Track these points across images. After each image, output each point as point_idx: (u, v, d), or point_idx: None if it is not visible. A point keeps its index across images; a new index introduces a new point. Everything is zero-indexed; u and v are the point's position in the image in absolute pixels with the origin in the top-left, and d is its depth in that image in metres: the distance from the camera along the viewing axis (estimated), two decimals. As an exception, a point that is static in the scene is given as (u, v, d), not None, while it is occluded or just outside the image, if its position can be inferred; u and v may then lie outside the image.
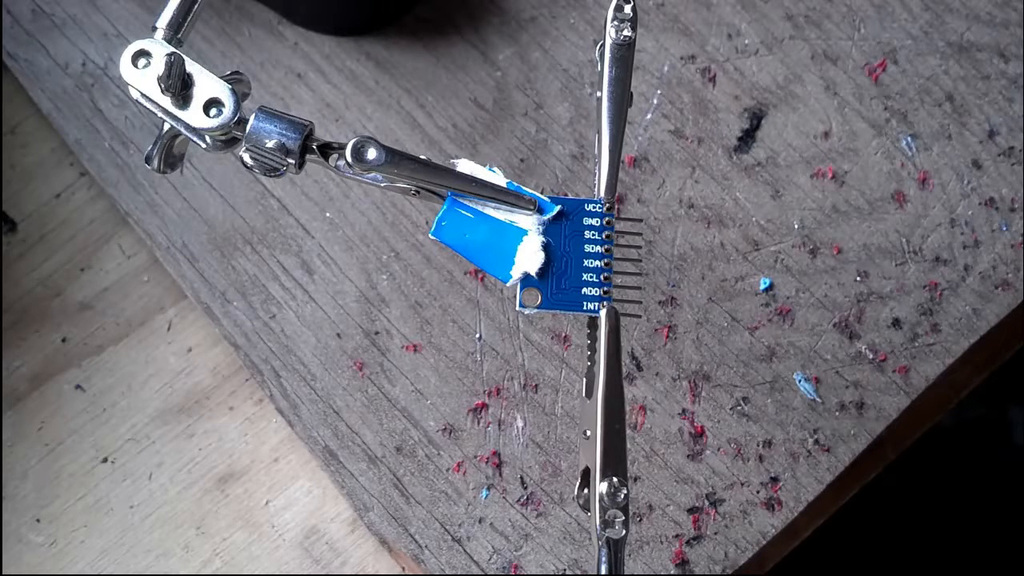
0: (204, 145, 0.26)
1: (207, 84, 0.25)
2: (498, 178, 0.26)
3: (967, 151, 0.37)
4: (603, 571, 0.23)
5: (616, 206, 0.27)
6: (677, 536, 0.34)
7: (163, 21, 0.26)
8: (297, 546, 0.36)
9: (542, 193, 0.27)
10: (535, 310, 0.26)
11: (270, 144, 0.25)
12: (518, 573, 0.34)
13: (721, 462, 0.35)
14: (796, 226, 0.37)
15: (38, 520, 0.36)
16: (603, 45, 0.27)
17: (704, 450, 0.35)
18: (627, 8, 0.27)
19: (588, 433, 0.25)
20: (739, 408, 0.35)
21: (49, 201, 0.39)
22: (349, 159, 0.25)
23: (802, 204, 0.37)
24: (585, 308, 0.26)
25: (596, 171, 0.27)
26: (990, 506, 0.72)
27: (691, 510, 0.34)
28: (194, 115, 0.25)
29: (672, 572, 0.34)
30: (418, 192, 0.26)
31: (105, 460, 0.37)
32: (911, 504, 0.72)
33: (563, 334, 0.36)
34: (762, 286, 0.36)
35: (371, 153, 0.25)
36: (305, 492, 0.36)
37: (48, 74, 0.39)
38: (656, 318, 0.36)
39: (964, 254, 0.37)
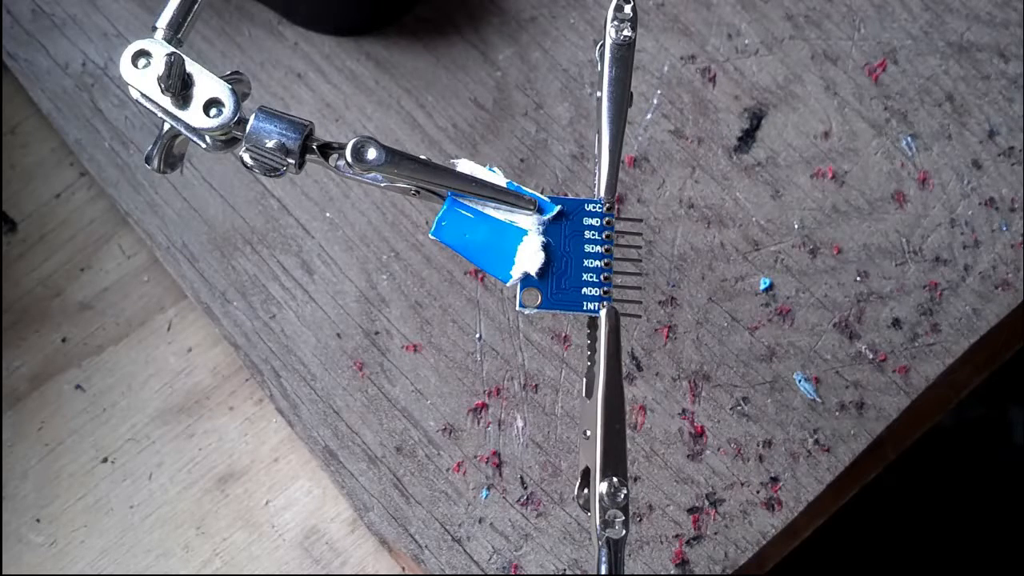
0: (204, 145, 0.26)
1: (207, 84, 0.25)
2: (498, 178, 0.26)
3: (967, 151, 0.37)
4: (603, 571, 0.23)
5: (616, 206, 0.27)
6: (677, 536, 0.34)
7: (163, 21, 0.26)
8: (297, 546, 0.36)
9: (542, 193, 0.27)
10: (535, 310, 0.26)
11: (270, 144, 0.25)
12: (518, 573, 0.34)
13: (721, 462, 0.35)
14: (796, 226, 0.37)
15: (38, 520, 0.36)
16: (603, 45, 0.27)
17: (704, 450, 0.35)
18: (627, 8, 0.27)
19: (588, 433, 0.25)
20: (739, 408, 0.35)
21: (49, 201, 0.39)
22: (349, 159, 0.25)
23: (802, 204, 0.37)
24: (585, 308, 0.26)
25: (596, 171, 0.27)
26: (990, 506, 0.72)
27: (691, 510, 0.34)
28: (194, 115, 0.25)
29: (672, 572, 0.34)
30: (418, 192, 0.26)
31: (105, 460, 0.37)
32: (911, 504, 0.72)
33: (563, 334, 0.36)
34: (762, 286, 0.36)
35: (371, 153, 0.25)
36: (305, 492, 0.36)
37: (48, 74, 0.39)
38: (656, 318, 0.36)
39: (964, 254, 0.37)
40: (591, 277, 0.26)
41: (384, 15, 0.39)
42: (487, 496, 0.35)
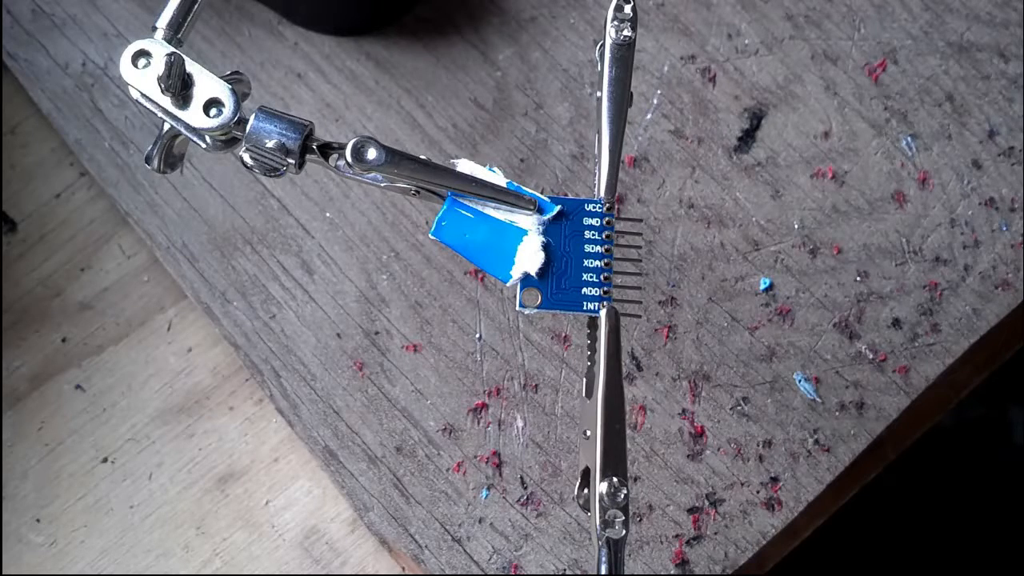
0: (204, 145, 0.26)
1: (207, 84, 0.25)
2: (498, 178, 0.26)
3: (967, 151, 0.37)
4: (603, 571, 0.23)
5: (616, 206, 0.27)
6: (677, 536, 0.34)
7: (163, 21, 0.26)
8: (297, 546, 0.36)
9: (542, 193, 0.27)
10: (535, 310, 0.26)
11: (270, 144, 0.25)
12: (518, 573, 0.34)
13: (721, 462, 0.35)
14: (796, 226, 0.37)
15: (38, 520, 0.36)
16: (603, 45, 0.27)
17: (704, 450, 0.35)
18: (627, 8, 0.27)
19: (588, 433, 0.25)
20: (739, 408, 0.35)
21: (49, 201, 0.39)
22: (349, 159, 0.25)
23: (802, 204, 0.37)
24: (585, 308, 0.26)
25: (596, 171, 0.27)
26: (990, 506, 0.72)
27: (691, 510, 0.34)
28: (194, 115, 0.25)
29: (672, 572, 0.34)
30: (418, 192, 0.26)
31: (105, 460, 0.37)
32: (911, 504, 0.72)
33: (563, 334, 0.36)
34: (762, 286, 0.36)
35: (371, 153, 0.25)
36: (305, 492, 0.36)
37: (48, 74, 0.39)
38: (656, 318, 0.36)
39: (964, 254, 0.37)
40: (591, 277, 0.26)
41: (384, 15, 0.39)
42: (487, 496, 0.35)
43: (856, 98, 0.38)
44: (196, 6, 0.26)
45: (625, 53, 0.27)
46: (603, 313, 0.25)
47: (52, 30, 0.40)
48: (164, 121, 0.26)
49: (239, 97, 0.26)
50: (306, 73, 0.39)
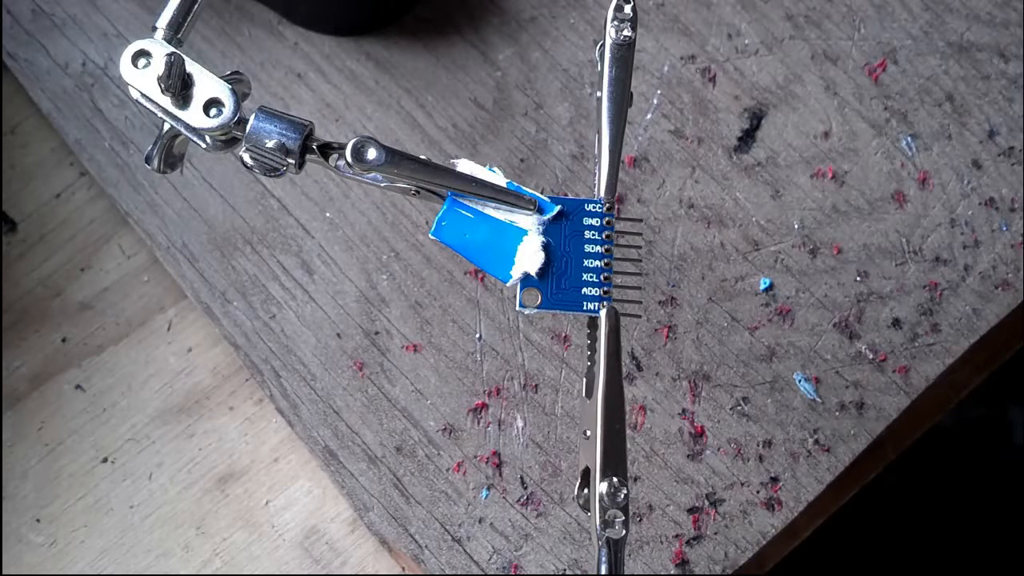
0: (204, 145, 0.26)
1: (207, 84, 0.25)
2: (498, 178, 0.26)
3: (967, 151, 0.37)
4: (603, 571, 0.23)
5: (616, 206, 0.27)
6: (677, 536, 0.34)
7: (163, 21, 0.26)
8: (297, 546, 0.36)
9: (542, 193, 0.27)
10: (535, 310, 0.26)
11: (270, 144, 0.25)
12: (518, 573, 0.34)
13: (721, 462, 0.35)
14: (796, 226, 0.37)
15: (38, 520, 0.36)
16: (603, 45, 0.27)
17: (704, 450, 0.35)
18: (627, 8, 0.27)
19: (588, 433, 0.25)
20: (739, 408, 0.35)
21: (49, 201, 0.39)
22: (349, 159, 0.25)
23: (802, 204, 0.37)
24: (585, 308, 0.26)
25: (596, 171, 0.27)
26: (990, 506, 0.72)
27: (691, 510, 0.34)
28: (194, 115, 0.25)
29: (672, 572, 0.34)
30: (418, 192, 0.26)
31: (105, 460, 0.37)
32: (911, 504, 0.72)
33: (563, 334, 0.36)
34: (762, 286, 0.36)
35: (371, 153, 0.25)
36: (305, 492, 0.36)
37: (48, 74, 0.39)
38: (656, 318, 0.36)
39: (964, 254, 0.37)
40: (591, 277, 0.26)
41: (384, 15, 0.39)
42: (487, 496, 0.35)
43: (856, 98, 0.38)
44: (196, 6, 0.26)
45: (625, 53, 0.27)
46: (603, 313, 0.25)
47: (52, 30, 0.40)
48: (164, 121, 0.26)
49: (239, 97, 0.26)
50: (306, 73, 0.39)
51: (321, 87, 0.39)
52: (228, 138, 0.26)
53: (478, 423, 0.36)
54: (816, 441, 0.35)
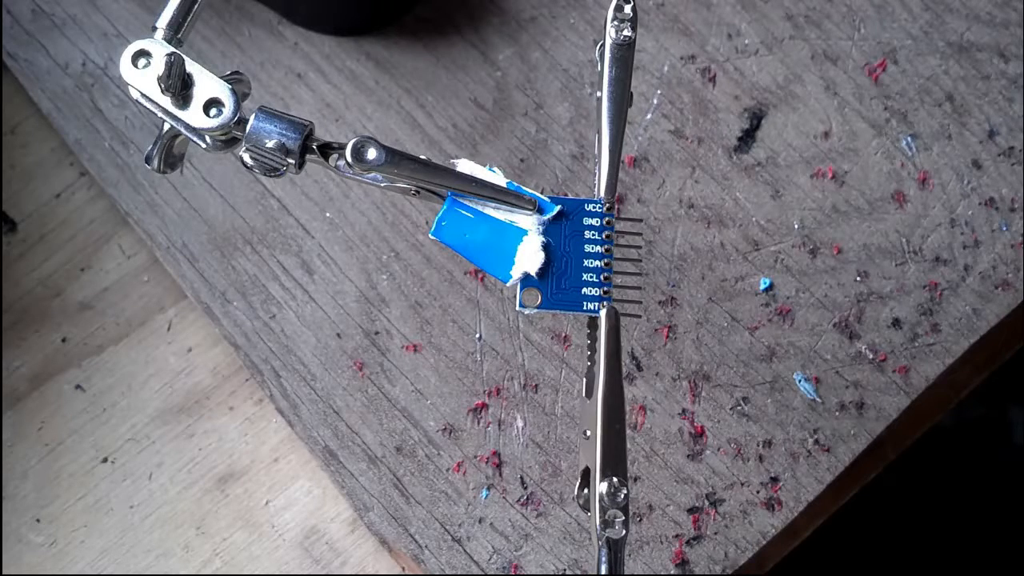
0: (204, 145, 0.26)
1: (207, 84, 0.25)
2: (498, 178, 0.26)
3: (967, 151, 0.37)
4: (603, 571, 0.23)
5: (616, 206, 0.27)
6: (677, 536, 0.34)
7: (163, 21, 0.26)
8: (297, 546, 0.36)
9: (542, 193, 0.27)
10: (535, 310, 0.26)
11: (270, 144, 0.25)
12: (518, 573, 0.34)
13: (721, 462, 0.35)
14: (796, 226, 0.37)
15: (38, 520, 0.36)
16: (603, 45, 0.27)
17: (704, 450, 0.35)
18: (627, 8, 0.27)
19: (588, 433, 0.25)
20: (739, 408, 0.35)
21: (49, 201, 0.39)
22: (349, 159, 0.25)
23: (802, 204, 0.37)
24: (585, 308, 0.26)
25: (596, 171, 0.27)
26: (990, 506, 0.72)
27: (691, 510, 0.34)
28: (194, 115, 0.25)
29: (672, 572, 0.34)
30: (418, 192, 0.26)
31: (105, 460, 0.37)
32: (911, 504, 0.72)
33: (563, 334, 0.36)
34: (762, 286, 0.36)
35: (371, 153, 0.25)
36: (305, 492, 0.36)
37: (48, 74, 0.39)
38: (656, 318, 0.36)
39: (964, 254, 0.37)
40: (591, 277, 0.26)
41: (384, 15, 0.39)
42: (487, 496, 0.35)
43: (856, 98, 0.38)
44: (196, 6, 0.26)
45: (625, 53, 0.27)
46: (603, 313, 0.25)
47: (52, 30, 0.40)
48: (164, 121, 0.26)
49: (239, 97, 0.26)
50: (306, 73, 0.39)
51: (321, 87, 0.39)
52: (228, 138, 0.26)
53: (478, 423, 0.36)
54: (816, 441, 0.35)
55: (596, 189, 0.27)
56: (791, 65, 0.38)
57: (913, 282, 0.36)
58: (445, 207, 0.26)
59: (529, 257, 0.26)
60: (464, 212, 0.26)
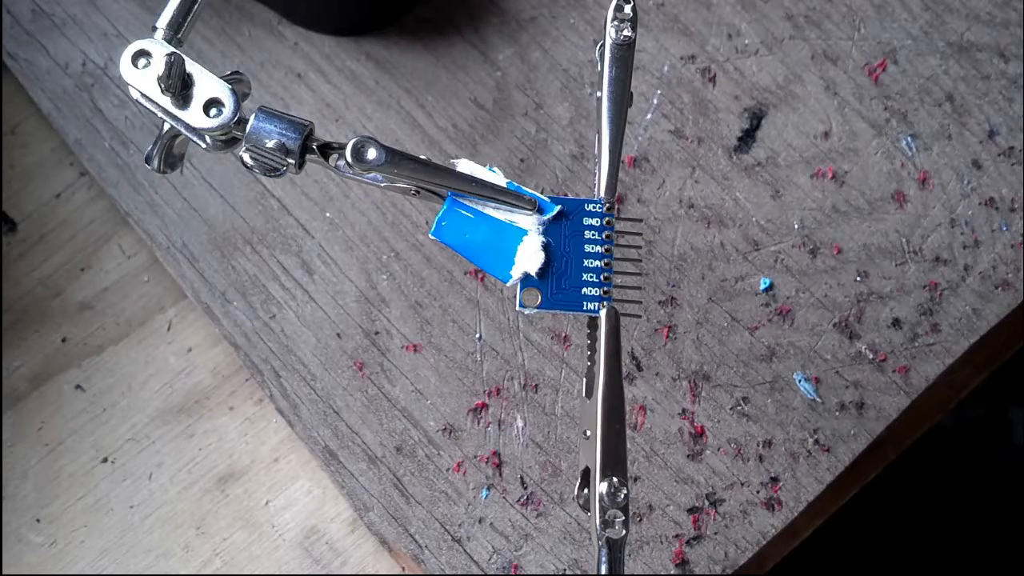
0: (204, 145, 0.26)
1: (207, 84, 0.25)
2: (498, 178, 0.26)
3: (967, 151, 0.37)
4: (603, 571, 0.23)
5: (616, 206, 0.27)
6: (677, 536, 0.34)
7: (163, 21, 0.26)
8: (297, 546, 0.36)
9: (542, 193, 0.27)
10: (535, 310, 0.26)
11: (270, 144, 0.25)
12: (518, 573, 0.34)
13: (721, 462, 0.35)
14: (796, 226, 0.37)
15: (38, 520, 0.36)
16: (603, 45, 0.27)
17: (704, 450, 0.35)
18: (627, 8, 0.27)
19: (588, 433, 0.25)
20: (739, 408, 0.35)
21: (49, 201, 0.39)
22: (349, 159, 0.25)
23: (802, 204, 0.37)
24: (585, 308, 0.26)
25: (596, 171, 0.27)
26: (990, 506, 0.72)
27: (691, 510, 0.34)
28: (194, 115, 0.25)
29: (672, 572, 0.34)
30: (418, 192, 0.26)
31: (105, 460, 0.37)
32: (911, 504, 0.72)
33: (563, 334, 0.36)
34: (762, 286, 0.36)
35: (371, 153, 0.25)
36: (305, 492, 0.36)
37: (48, 74, 0.39)
38: (656, 318, 0.36)
39: (964, 254, 0.37)
40: (591, 277, 0.26)
41: (384, 15, 0.39)
42: (487, 496, 0.35)
43: (856, 98, 0.38)
44: (196, 6, 0.26)
45: (625, 53, 0.27)
46: (603, 313, 0.25)
47: (52, 30, 0.40)
48: (164, 121, 0.26)
49: (239, 97, 0.26)
50: (306, 73, 0.39)
51: (321, 87, 0.39)
52: (228, 138, 0.26)
53: (478, 423, 0.36)
54: (816, 441, 0.35)
55: (596, 189, 0.27)
56: (791, 65, 0.38)
57: (913, 282, 0.36)
58: (445, 207, 0.26)
59: (529, 257, 0.26)
60: (464, 212, 0.26)
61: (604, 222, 0.26)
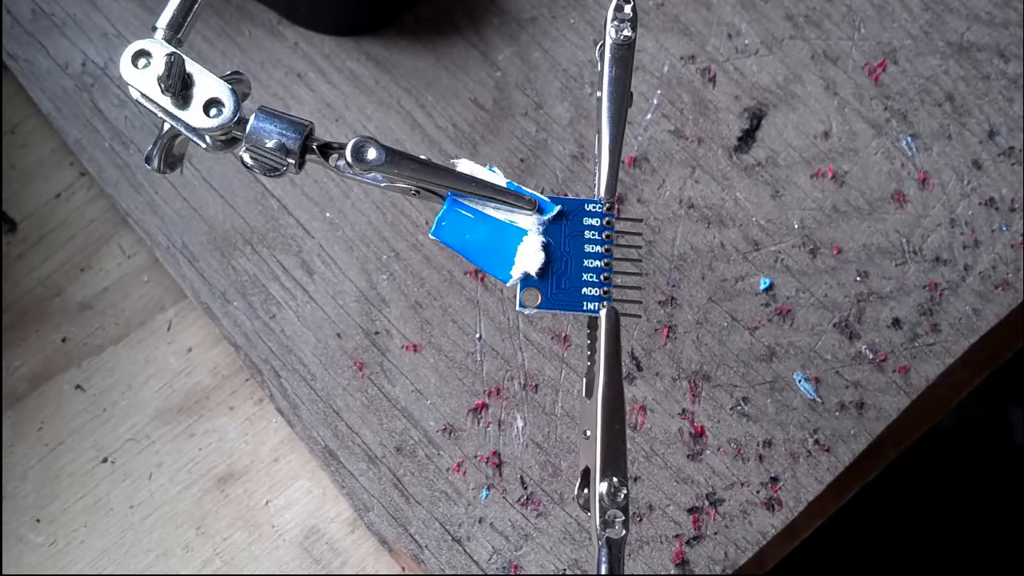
0: (204, 145, 0.26)
1: (207, 84, 0.25)
2: (498, 178, 0.26)
3: (967, 151, 0.37)
4: (603, 571, 0.23)
5: (616, 206, 0.27)
6: (677, 536, 0.34)
7: (163, 21, 0.26)
8: (297, 546, 0.36)
9: (542, 193, 0.27)
10: (535, 310, 0.26)
11: (270, 144, 0.25)
12: (518, 573, 0.34)
13: (721, 462, 0.35)
14: (796, 226, 0.37)
15: (38, 520, 0.36)
16: (603, 45, 0.27)
17: (704, 450, 0.35)
18: (627, 8, 0.27)
19: (588, 433, 0.25)
20: (739, 408, 0.35)
21: (49, 201, 0.39)
22: (349, 159, 0.25)
23: (802, 204, 0.37)
24: (585, 308, 0.26)
25: (596, 171, 0.27)
26: (990, 506, 0.72)
27: (691, 510, 0.34)
28: (194, 115, 0.25)
29: (672, 572, 0.34)
30: (418, 192, 0.26)
31: (105, 460, 0.37)
32: (911, 504, 0.72)
33: (563, 334, 0.36)
34: (762, 286, 0.36)
35: (371, 153, 0.25)
36: (305, 492, 0.36)
37: (48, 74, 0.39)
38: (656, 318, 0.36)
39: (964, 254, 0.37)
40: (591, 277, 0.26)
41: (384, 15, 0.39)
42: (487, 496, 0.35)
43: (856, 98, 0.38)
44: (196, 6, 0.26)
45: (625, 53, 0.27)
46: (603, 313, 0.25)
47: (52, 30, 0.40)
48: (164, 121, 0.26)
49: (239, 97, 0.26)
50: (306, 73, 0.39)
51: (321, 87, 0.39)
52: (228, 138, 0.26)
53: (478, 423, 0.36)
54: (816, 441, 0.35)
55: (596, 189, 0.27)
56: (791, 65, 0.38)
57: (913, 282, 0.36)
58: (445, 207, 0.26)
59: (529, 257, 0.26)
60: (464, 212, 0.26)
61: (604, 222, 0.26)
